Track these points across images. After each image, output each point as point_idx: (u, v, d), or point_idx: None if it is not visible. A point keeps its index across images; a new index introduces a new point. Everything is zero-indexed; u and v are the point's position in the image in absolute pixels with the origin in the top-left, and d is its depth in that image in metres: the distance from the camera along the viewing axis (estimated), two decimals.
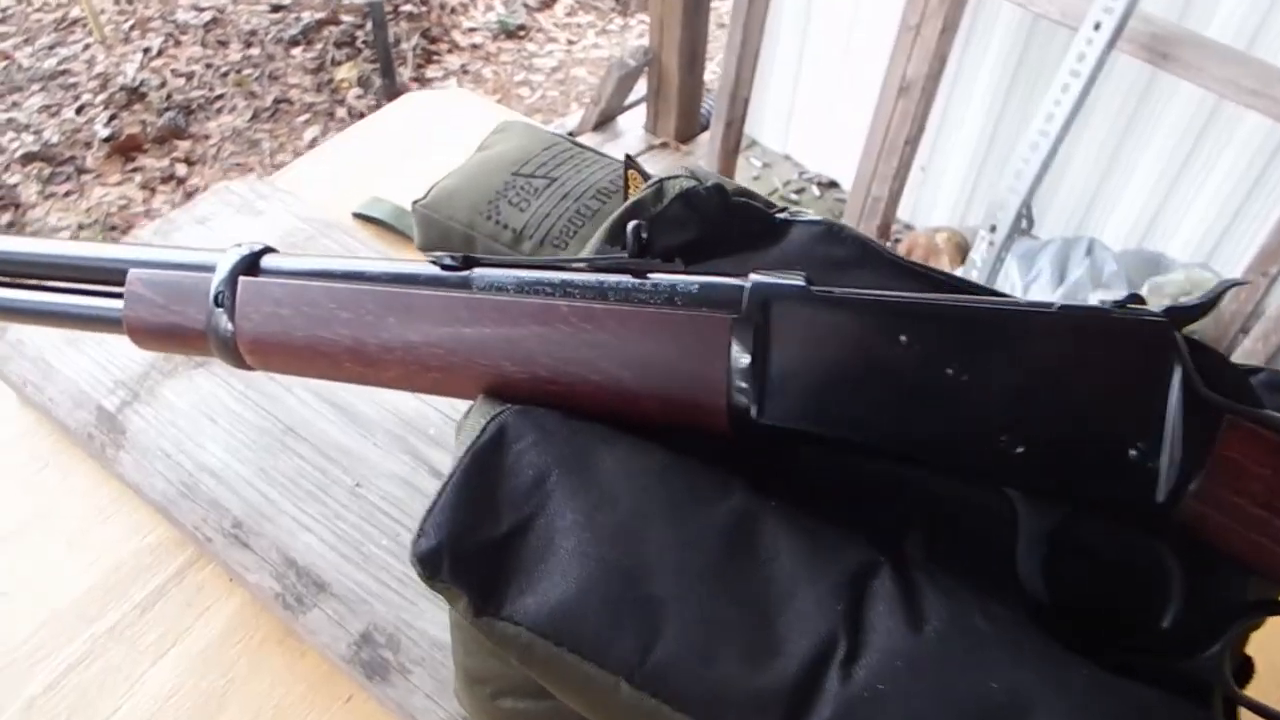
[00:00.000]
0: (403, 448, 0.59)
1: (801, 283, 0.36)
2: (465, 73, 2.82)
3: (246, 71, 2.65)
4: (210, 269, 0.44)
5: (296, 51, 2.74)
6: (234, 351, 0.43)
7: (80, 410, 0.60)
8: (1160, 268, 1.72)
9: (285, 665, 0.53)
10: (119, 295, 0.45)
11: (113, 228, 2.27)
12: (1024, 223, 1.59)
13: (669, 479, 0.36)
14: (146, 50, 2.66)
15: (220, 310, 0.43)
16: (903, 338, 0.34)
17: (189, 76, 2.59)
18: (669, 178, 0.44)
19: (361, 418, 0.60)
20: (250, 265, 0.43)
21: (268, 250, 0.45)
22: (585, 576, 0.33)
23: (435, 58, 2.84)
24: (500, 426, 0.37)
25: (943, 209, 2.16)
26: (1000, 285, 1.71)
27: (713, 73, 2.46)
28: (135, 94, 2.50)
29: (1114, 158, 1.79)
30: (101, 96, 2.47)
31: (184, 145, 2.46)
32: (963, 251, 2.06)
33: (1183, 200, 1.75)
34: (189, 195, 2.36)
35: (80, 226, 2.24)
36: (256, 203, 0.73)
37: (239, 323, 0.42)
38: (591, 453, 0.36)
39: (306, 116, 2.60)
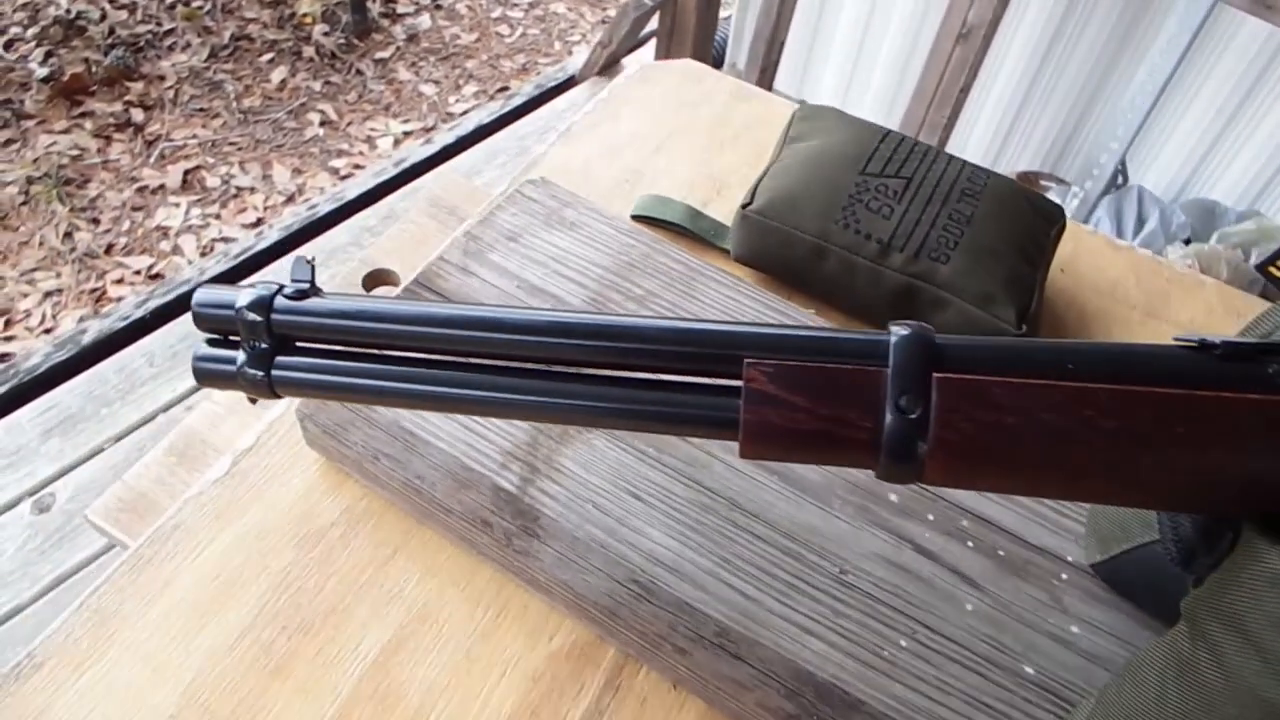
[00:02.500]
0: (870, 519, 0.50)
1: None
2: (439, 8, 2.59)
3: (196, 4, 2.35)
4: (871, 357, 0.34)
5: None
6: (915, 468, 0.34)
7: (466, 491, 0.49)
8: (1216, 216, 1.73)
9: None
10: (725, 390, 0.35)
11: (67, 181, 1.99)
12: (1119, 178, 1.56)
13: None
14: None
15: (906, 417, 0.33)
16: None
17: (131, 8, 2.28)
18: None
19: (808, 484, 0.51)
20: (936, 354, 0.34)
21: (925, 328, 0.35)
22: None
23: None
24: None
25: (970, 156, 2.12)
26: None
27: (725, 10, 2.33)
28: (72, 28, 2.18)
29: (1163, 103, 1.78)
30: (33, 30, 2.15)
31: (136, 87, 2.18)
32: None
33: (1232, 145, 1.75)
34: (150, 144, 2.10)
35: (30, 180, 1.96)
36: (563, 211, 0.61)
37: (940, 435, 0.33)
38: None
39: (270, 55, 2.34)
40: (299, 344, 0.39)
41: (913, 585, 0.48)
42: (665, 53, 2.25)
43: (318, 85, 2.28)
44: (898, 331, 0.34)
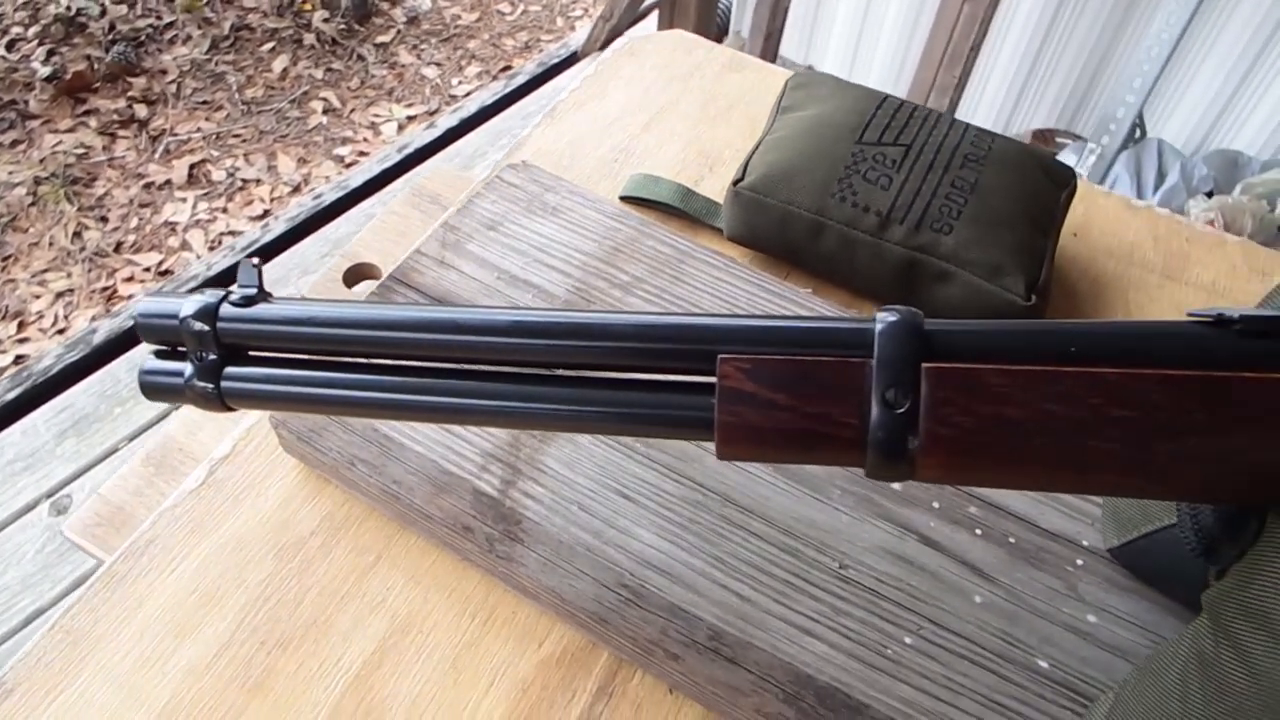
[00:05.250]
0: (871, 510, 0.47)
1: None
2: None
3: None
4: (854, 347, 0.31)
5: None
6: (907, 465, 0.31)
7: (445, 496, 0.46)
8: (1239, 167, 1.67)
9: None
10: (694, 387, 0.32)
11: (75, 180, 1.99)
12: (1136, 131, 1.51)
13: None
14: None
15: (895, 412, 0.30)
16: None
17: (130, 2, 2.26)
18: None
19: (805, 476, 0.48)
20: (924, 342, 0.31)
21: (915, 313, 0.32)
22: None
23: None
24: None
25: (983, 116, 2.06)
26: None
27: None
28: (73, 25, 2.17)
29: (1180, 53, 1.71)
30: (34, 29, 2.14)
31: (138, 83, 2.16)
32: None
33: (1254, 93, 1.69)
34: (154, 139, 2.09)
35: (37, 181, 1.96)
36: (544, 196, 0.58)
37: (934, 429, 0.30)
38: None
39: (271, 45, 2.32)
40: (252, 353, 0.37)
41: (917, 578, 0.45)
42: (668, 23, 2.20)
43: (319, 73, 2.25)
44: (884, 318, 0.32)
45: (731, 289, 0.55)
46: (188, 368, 0.36)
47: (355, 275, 0.60)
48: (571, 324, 0.33)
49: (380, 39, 2.35)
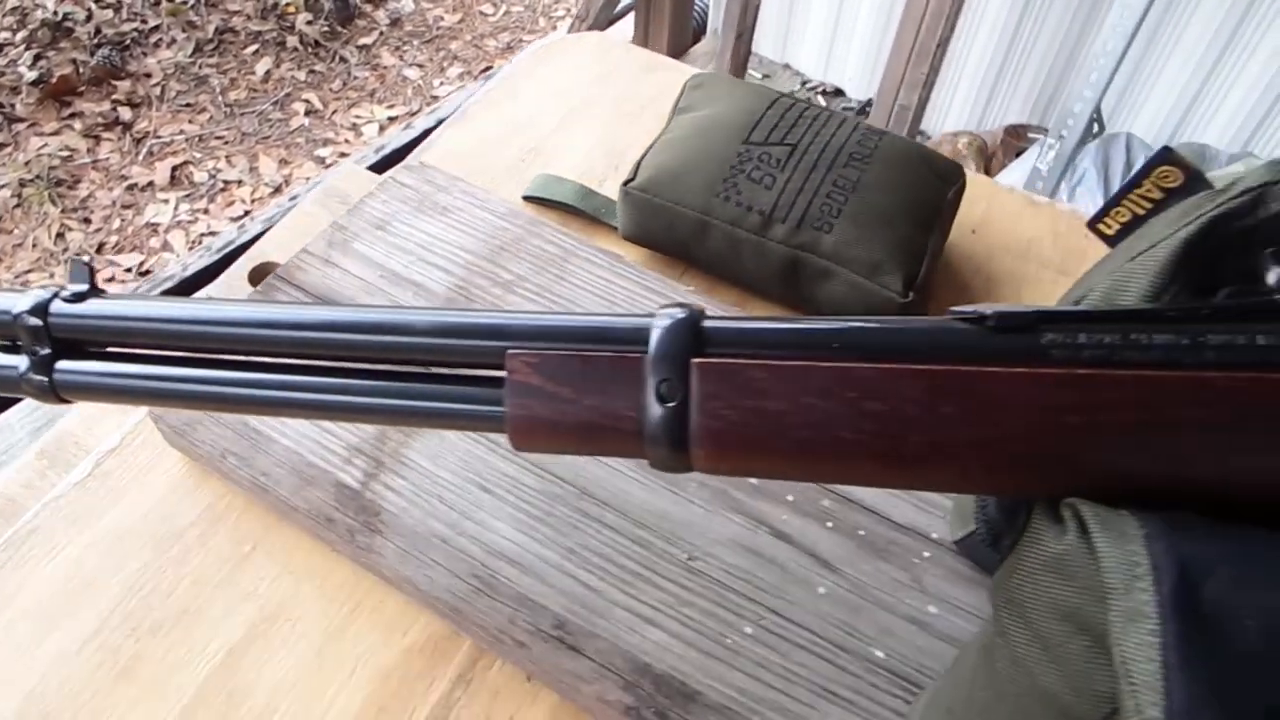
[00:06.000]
0: (726, 504, 0.48)
1: None
2: None
3: None
4: (633, 343, 0.32)
5: None
6: (683, 456, 0.32)
7: (310, 489, 0.48)
8: (1206, 160, 1.67)
9: None
10: (492, 381, 0.34)
11: (59, 182, 2.02)
12: (1094, 127, 1.51)
13: None
14: None
15: (667, 405, 0.32)
16: None
17: (116, 7, 2.29)
18: (1272, 182, 0.33)
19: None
20: (697, 339, 0.32)
21: (700, 313, 0.33)
22: None
23: None
24: (1179, 560, 0.27)
25: (957, 112, 2.06)
26: (1044, 191, 1.64)
27: None
28: (60, 30, 2.20)
29: (1149, 46, 1.71)
30: (22, 34, 2.17)
31: (123, 86, 2.19)
32: (984, 156, 1.98)
33: (1221, 86, 1.68)
34: (138, 141, 2.12)
35: (22, 183, 1.99)
36: (436, 196, 0.60)
37: (701, 422, 0.31)
38: None
39: (255, 47, 2.34)
40: (92, 348, 0.39)
41: (764, 570, 0.46)
42: (644, 23, 2.22)
43: (302, 75, 2.28)
44: (665, 314, 0.33)
45: (613, 287, 0.57)
46: (24, 361, 0.38)
47: (259, 274, 0.62)
48: (374, 321, 0.35)
49: (363, 41, 2.37)
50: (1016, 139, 1.85)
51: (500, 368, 0.34)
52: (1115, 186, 1.69)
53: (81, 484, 0.52)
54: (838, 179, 0.59)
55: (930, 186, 0.61)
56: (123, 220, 1.99)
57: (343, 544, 0.48)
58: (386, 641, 0.48)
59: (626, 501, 0.48)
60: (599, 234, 0.65)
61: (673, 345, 0.32)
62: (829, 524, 0.48)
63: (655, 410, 0.32)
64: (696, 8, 2.19)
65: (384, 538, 0.47)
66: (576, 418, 0.33)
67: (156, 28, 2.29)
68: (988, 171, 1.90)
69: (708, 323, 0.33)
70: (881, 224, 0.58)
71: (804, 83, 2.27)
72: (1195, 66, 1.65)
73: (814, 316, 0.33)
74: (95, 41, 2.21)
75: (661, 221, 0.61)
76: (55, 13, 2.21)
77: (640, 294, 0.57)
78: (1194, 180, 0.35)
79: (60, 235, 1.96)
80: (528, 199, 0.66)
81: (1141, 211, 0.37)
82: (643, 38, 2.26)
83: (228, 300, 0.40)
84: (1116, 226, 0.38)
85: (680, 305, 0.33)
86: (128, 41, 2.24)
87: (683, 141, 0.62)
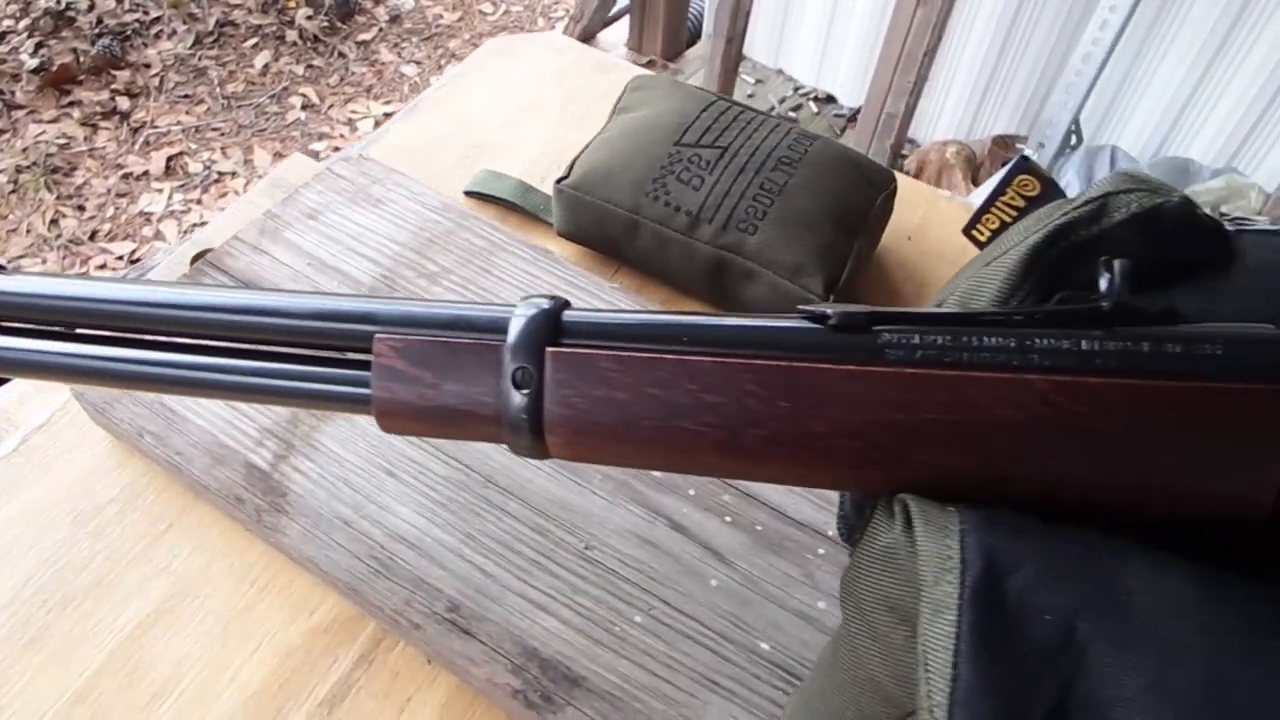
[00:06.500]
0: (628, 495, 0.49)
1: None
2: None
3: None
4: (494, 331, 0.33)
5: None
6: (538, 443, 0.33)
7: (221, 468, 0.49)
8: (1190, 175, 1.67)
9: None
10: (361, 364, 0.35)
11: (55, 169, 2.04)
12: (1073, 138, 1.52)
13: (1215, 603, 0.28)
14: None
15: (522, 392, 0.33)
16: None
17: None
18: (1114, 191, 0.34)
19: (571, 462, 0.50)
20: (554, 329, 0.33)
21: (563, 305, 0.34)
22: None
23: None
24: (987, 554, 0.28)
25: (947, 121, 2.06)
26: None
27: None
28: (62, 19, 2.23)
29: (1135, 60, 1.71)
30: (24, 23, 2.19)
31: (122, 76, 2.21)
32: (972, 166, 1.98)
33: (1207, 101, 1.68)
34: (135, 131, 2.14)
35: (19, 169, 2.01)
36: (371, 188, 0.61)
37: (553, 409, 0.32)
38: (1112, 578, 0.28)
39: (255, 41, 2.36)
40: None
41: (659, 561, 0.47)
42: (638, 26, 2.23)
43: (300, 69, 2.30)
44: (530, 305, 0.34)
45: (538, 282, 0.58)
46: None
47: (197, 260, 0.63)
48: (248, 304, 0.36)
49: (362, 37, 2.39)
50: (1004, 149, 1.86)
51: (370, 352, 0.35)
52: None
53: (7, 459, 0.53)
54: (765, 182, 0.60)
55: (859, 192, 0.62)
56: (116, 208, 2.01)
57: (251, 523, 0.49)
58: (293, 620, 0.49)
59: (530, 490, 0.49)
60: (537, 230, 0.66)
61: (530, 334, 0.33)
62: (727, 518, 0.49)
63: (512, 397, 0.33)
64: (692, 12, 2.20)
65: (289, 518, 0.48)
66: (438, 402, 0.34)
67: (158, 19, 2.31)
68: (975, 181, 1.91)
69: (569, 314, 0.34)
70: (805, 227, 0.59)
71: (796, 89, 2.27)
72: (1181, 81, 1.65)
73: (670, 310, 0.34)
74: (97, 31, 2.23)
75: (592, 219, 0.62)
76: (58, 1, 2.23)
77: (564, 289, 0.58)
78: (1050, 188, 0.36)
79: (54, 221, 1.98)
80: (469, 194, 0.67)
81: (1008, 219, 0.38)
82: (637, 41, 2.27)
83: (117, 280, 0.41)
84: (987, 233, 0.39)
85: (550, 298, 0.34)
86: (129, 32, 2.27)
87: (617, 141, 0.63)
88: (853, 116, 2.13)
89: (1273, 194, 1.50)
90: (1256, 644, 0.27)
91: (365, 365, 0.35)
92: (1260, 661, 0.26)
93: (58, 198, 2.01)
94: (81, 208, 2.01)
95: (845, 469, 0.31)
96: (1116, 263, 0.30)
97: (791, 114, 2.24)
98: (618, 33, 2.25)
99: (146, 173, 2.07)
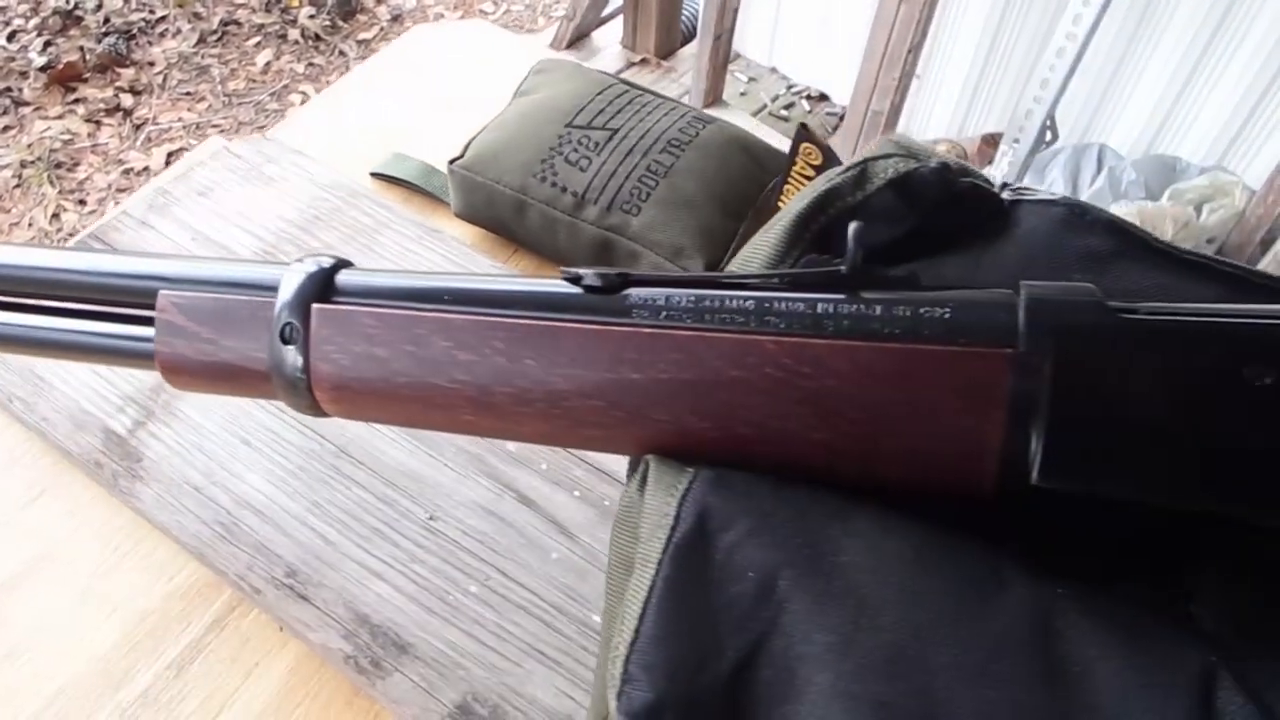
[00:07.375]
0: (480, 469, 0.50)
1: (1095, 299, 0.28)
2: None
3: None
4: (270, 289, 0.34)
5: None
6: (309, 399, 0.34)
7: (82, 433, 0.50)
8: (1176, 173, 1.64)
9: None
10: (149, 321, 0.35)
11: (58, 165, 2.09)
12: (1047, 134, 1.50)
13: (931, 569, 0.27)
14: None
15: (289, 348, 0.33)
16: (1246, 371, 0.26)
17: None
18: (874, 157, 0.34)
19: (427, 435, 0.51)
20: (324, 286, 0.33)
21: (342, 264, 0.35)
22: None
23: None
24: (700, 512, 0.28)
25: (939, 120, 2.04)
26: None
27: None
28: (70, 18, 2.28)
29: (1123, 58, 1.68)
30: (34, 22, 2.25)
31: (127, 73, 2.26)
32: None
33: (1196, 101, 1.65)
34: (137, 128, 2.18)
35: (23, 164, 2.06)
36: (265, 167, 0.62)
37: (317, 365, 0.33)
38: (826, 540, 0.28)
39: (257, 39, 2.40)
40: None
41: (501, 533, 0.47)
42: (632, 24, 2.23)
43: (301, 67, 2.33)
44: (308, 263, 0.34)
45: (418, 258, 0.58)
46: None
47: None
48: (44, 263, 0.36)
49: (363, 36, 2.42)
50: (991, 147, 1.84)
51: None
52: (1083, 195, 1.67)
53: None
54: (651, 164, 0.60)
55: (748, 176, 0.62)
56: (116, 203, 2.05)
57: (110, 489, 0.50)
58: (152, 585, 0.50)
59: (382, 461, 0.50)
60: (439, 212, 0.67)
61: (299, 292, 0.33)
62: (576, 493, 0.49)
63: (281, 353, 0.33)
64: (687, 11, 2.20)
65: (144, 483, 0.49)
66: (217, 358, 0.34)
67: (164, 18, 2.36)
68: None
69: (343, 274, 0.34)
70: (684, 208, 0.59)
71: (789, 86, 2.27)
72: (1170, 79, 1.63)
73: (442, 273, 0.34)
74: (103, 30, 2.28)
75: (483, 199, 0.62)
76: (67, 1, 2.28)
77: (442, 265, 0.58)
78: (829, 157, 0.36)
79: (56, 216, 2.02)
80: (375, 175, 0.68)
81: (803, 187, 0.38)
82: (631, 39, 2.27)
83: None
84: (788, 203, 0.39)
85: (333, 258, 0.35)
86: (134, 30, 2.31)
87: (512, 123, 0.63)
88: (844, 114, 2.12)
89: (1257, 192, 1.48)
90: (961, 610, 0.27)
91: (152, 321, 0.36)
92: (961, 629, 0.26)
93: (60, 192, 2.05)
94: (83, 202, 2.06)
95: (593, 429, 0.31)
96: (851, 226, 0.30)
97: (784, 112, 2.23)
98: (613, 31, 2.25)
99: (147, 168, 2.11)
